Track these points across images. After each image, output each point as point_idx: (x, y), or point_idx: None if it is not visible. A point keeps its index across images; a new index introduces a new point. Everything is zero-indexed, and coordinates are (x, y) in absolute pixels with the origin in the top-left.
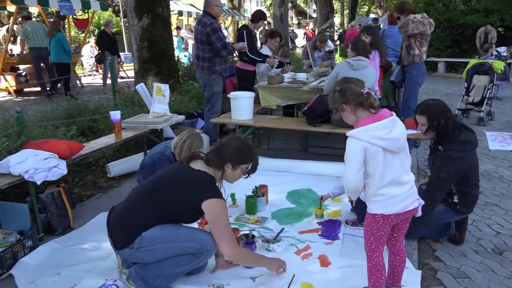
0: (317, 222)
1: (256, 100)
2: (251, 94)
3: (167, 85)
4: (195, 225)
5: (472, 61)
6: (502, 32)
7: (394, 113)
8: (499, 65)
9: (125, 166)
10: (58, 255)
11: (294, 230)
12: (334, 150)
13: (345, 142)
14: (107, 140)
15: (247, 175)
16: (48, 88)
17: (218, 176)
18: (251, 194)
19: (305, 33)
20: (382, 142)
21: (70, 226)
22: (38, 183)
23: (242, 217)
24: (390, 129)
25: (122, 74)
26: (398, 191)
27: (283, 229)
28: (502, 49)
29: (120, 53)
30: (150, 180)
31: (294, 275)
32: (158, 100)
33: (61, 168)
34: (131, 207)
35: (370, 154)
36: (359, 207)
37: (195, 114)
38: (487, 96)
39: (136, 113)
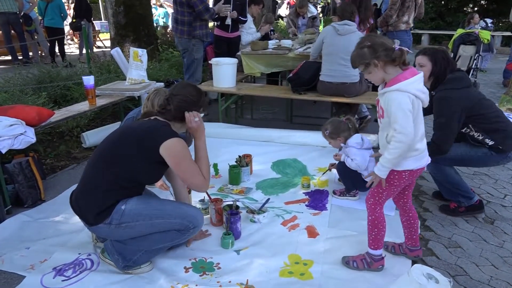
0: (303, 193)
1: (239, 69)
2: (234, 60)
3: (145, 50)
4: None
5: (459, 31)
6: (485, 6)
7: None
8: (485, 35)
9: (101, 135)
10: (27, 228)
11: (279, 201)
12: (319, 120)
13: (332, 111)
14: (81, 107)
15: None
16: (20, 57)
17: (178, 127)
18: (235, 164)
19: (288, 3)
20: (422, 95)
21: (41, 198)
22: (3, 151)
23: (225, 187)
24: (423, 83)
25: (99, 43)
26: (424, 145)
27: (268, 199)
28: (489, 20)
29: (96, 22)
30: (101, 145)
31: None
32: (135, 66)
33: (28, 136)
34: (89, 178)
35: (415, 107)
36: (346, 176)
37: (175, 82)
38: (473, 66)
39: (112, 80)
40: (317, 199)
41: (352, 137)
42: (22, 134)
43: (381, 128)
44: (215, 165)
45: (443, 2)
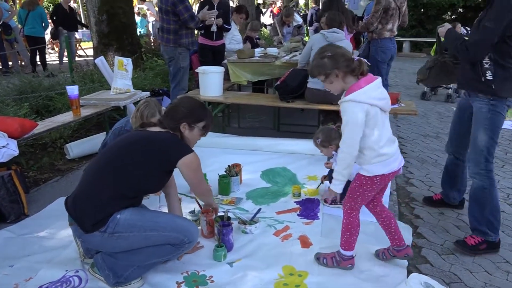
0: (294, 202)
1: (226, 77)
2: (220, 69)
3: (130, 59)
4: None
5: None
6: (463, 13)
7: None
8: None
9: (85, 147)
10: (10, 245)
11: (271, 211)
12: (306, 128)
13: (319, 119)
14: (64, 118)
15: (204, 134)
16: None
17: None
18: (224, 173)
19: (271, 11)
20: (380, 102)
21: (24, 212)
22: None
23: (215, 198)
24: (381, 89)
25: (80, 52)
26: (394, 149)
27: (259, 209)
28: (468, 28)
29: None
30: (105, 152)
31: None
32: (120, 75)
33: (11, 149)
34: (92, 183)
35: (371, 115)
36: None
37: (161, 91)
38: None
39: (96, 90)
40: (308, 208)
41: None
42: (4, 147)
43: None
44: (204, 175)
45: (422, 10)
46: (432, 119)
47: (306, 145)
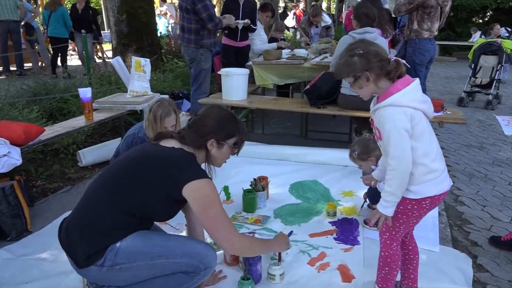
0: (329, 222)
1: (250, 80)
2: (245, 71)
3: (148, 60)
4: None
5: (480, 40)
6: (494, 16)
7: None
8: (508, 45)
9: (99, 153)
10: (8, 268)
11: (303, 233)
12: (336, 136)
13: (351, 125)
14: (76, 122)
15: (236, 152)
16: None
17: (201, 158)
18: (249, 188)
19: (294, 13)
20: (423, 106)
21: (27, 228)
22: None
23: (239, 215)
24: (421, 91)
25: (100, 54)
26: (444, 165)
27: (291, 232)
28: (509, 29)
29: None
30: (108, 170)
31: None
32: (138, 77)
33: (13, 157)
34: (88, 208)
35: (416, 121)
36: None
37: (180, 95)
38: (495, 77)
39: (112, 92)
40: (346, 231)
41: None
42: (5, 155)
43: (383, 152)
44: (226, 188)
45: (452, 13)
46: (473, 127)
47: (338, 155)
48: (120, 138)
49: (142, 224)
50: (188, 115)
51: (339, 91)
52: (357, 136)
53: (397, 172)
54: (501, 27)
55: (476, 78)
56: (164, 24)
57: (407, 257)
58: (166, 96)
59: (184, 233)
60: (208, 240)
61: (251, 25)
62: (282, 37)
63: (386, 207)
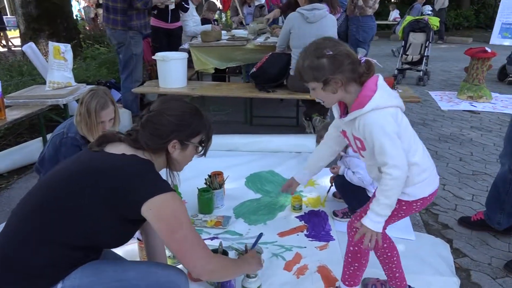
0: (296, 217)
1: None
2: (183, 55)
3: (68, 45)
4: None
5: (408, 18)
6: None
7: None
8: (435, 22)
9: (15, 158)
10: None
11: (271, 232)
12: (283, 120)
13: (298, 109)
14: None
15: (202, 152)
16: None
17: (160, 164)
18: (205, 186)
19: None
20: (398, 101)
21: None
22: None
23: (195, 219)
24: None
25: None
26: (431, 161)
27: (261, 235)
28: (429, 7)
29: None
30: (39, 189)
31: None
32: (57, 66)
33: None
34: (14, 242)
35: (399, 120)
36: (348, 193)
37: (108, 84)
38: (424, 54)
39: (26, 85)
40: (316, 225)
41: None
42: None
43: (367, 162)
44: (175, 188)
45: None
46: (411, 104)
47: (291, 141)
48: (41, 138)
49: (88, 256)
50: (120, 107)
51: (288, 73)
52: (307, 120)
53: (398, 181)
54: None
55: (407, 55)
56: (74, 7)
57: (385, 256)
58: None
59: (134, 244)
60: (167, 252)
61: (183, 3)
62: (215, 18)
63: (379, 222)
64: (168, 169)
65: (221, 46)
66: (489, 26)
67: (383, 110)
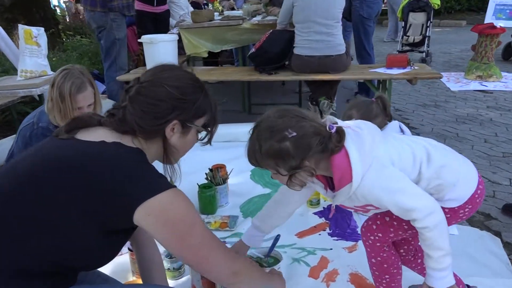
0: (314, 213)
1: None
2: (173, 37)
3: (42, 29)
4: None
5: None
6: None
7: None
8: (436, 0)
9: None
10: None
11: (287, 233)
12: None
13: (300, 95)
14: None
15: (207, 138)
16: None
17: (154, 154)
18: (207, 182)
19: None
20: (375, 137)
21: None
22: None
23: None
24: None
25: None
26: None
27: (278, 236)
28: None
29: None
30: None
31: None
32: (30, 52)
33: None
34: None
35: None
36: None
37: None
38: (426, 34)
39: None
40: (339, 222)
41: (388, 125)
42: None
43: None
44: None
45: None
46: (418, 86)
47: None
48: (14, 135)
49: (57, 286)
50: (105, 97)
51: (291, 52)
52: (313, 105)
53: (440, 226)
54: None
55: (408, 36)
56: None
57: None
58: None
59: (126, 254)
60: (167, 264)
61: None
62: (205, 2)
63: (446, 276)
64: (164, 159)
65: (215, 27)
66: (481, 9)
67: (372, 169)
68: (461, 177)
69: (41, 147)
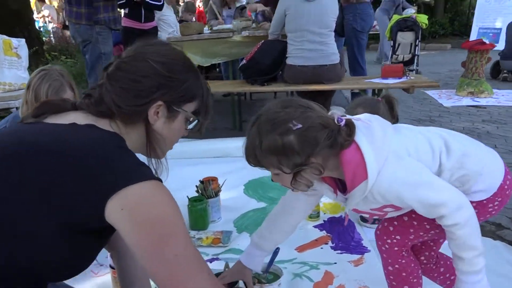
0: (314, 226)
1: None
2: None
3: (22, 40)
4: None
5: (395, 17)
6: None
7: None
8: (423, 19)
9: None
10: None
11: (286, 247)
12: (286, 98)
13: None
14: None
15: (198, 128)
16: None
17: (135, 141)
18: (197, 195)
19: None
20: (386, 129)
21: None
22: None
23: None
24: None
25: None
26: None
27: (277, 250)
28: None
29: None
30: None
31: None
32: (9, 63)
33: None
34: None
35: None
36: None
37: None
38: (416, 53)
39: None
40: (342, 235)
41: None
42: None
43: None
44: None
45: None
46: (410, 102)
47: None
48: None
49: None
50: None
51: (284, 63)
52: None
53: (470, 222)
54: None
55: (398, 55)
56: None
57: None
58: None
59: (107, 274)
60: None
61: (151, 1)
62: (194, 20)
63: (480, 280)
64: (147, 150)
65: (204, 40)
66: (464, 33)
67: (389, 163)
68: (486, 165)
69: (7, 132)
